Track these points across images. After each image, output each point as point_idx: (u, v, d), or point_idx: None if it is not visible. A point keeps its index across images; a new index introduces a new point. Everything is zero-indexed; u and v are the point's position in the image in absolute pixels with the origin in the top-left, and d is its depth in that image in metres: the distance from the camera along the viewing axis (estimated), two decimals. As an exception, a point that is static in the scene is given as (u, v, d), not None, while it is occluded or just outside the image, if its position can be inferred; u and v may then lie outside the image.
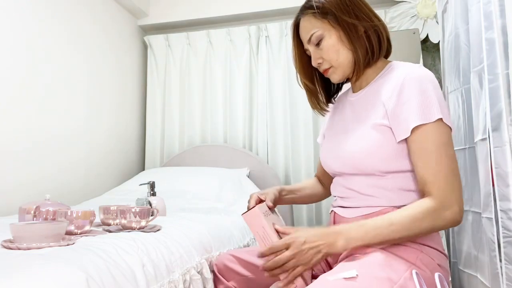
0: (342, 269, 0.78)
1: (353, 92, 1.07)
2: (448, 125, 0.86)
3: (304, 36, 1.01)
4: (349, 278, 0.74)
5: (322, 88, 1.12)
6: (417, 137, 0.85)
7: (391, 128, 0.89)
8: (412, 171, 0.89)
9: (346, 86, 1.17)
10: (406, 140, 0.88)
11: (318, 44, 0.98)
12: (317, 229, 0.86)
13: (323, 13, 0.96)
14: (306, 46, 1.02)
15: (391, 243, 0.85)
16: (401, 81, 0.89)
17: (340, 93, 1.17)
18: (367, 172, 0.92)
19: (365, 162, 0.91)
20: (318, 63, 1.01)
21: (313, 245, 0.81)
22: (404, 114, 0.86)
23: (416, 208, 0.83)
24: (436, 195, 0.82)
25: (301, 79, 1.10)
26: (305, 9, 1.00)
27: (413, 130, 0.85)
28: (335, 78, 1.02)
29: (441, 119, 0.84)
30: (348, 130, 1.00)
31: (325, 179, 1.22)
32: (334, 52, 0.97)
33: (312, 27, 0.98)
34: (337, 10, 0.95)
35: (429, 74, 0.89)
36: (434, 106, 0.85)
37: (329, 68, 1.00)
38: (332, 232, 0.84)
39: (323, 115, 1.15)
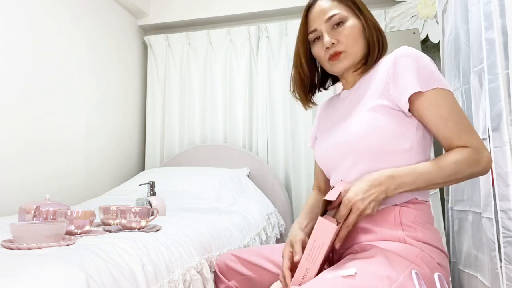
0: (341, 267, 0.78)
1: (345, 89, 1.07)
2: (449, 90, 0.89)
3: (322, 15, 0.98)
4: (347, 276, 0.74)
5: (313, 79, 1.10)
6: (428, 103, 0.87)
7: (390, 108, 0.90)
8: (412, 149, 0.90)
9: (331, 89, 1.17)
10: (413, 113, 0.89)
11: (337, 25, 0.97)
12: (367, 180, 0.86)
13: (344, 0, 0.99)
14: (319, 26, 0.99)
15: (434, 188, 0.89)
16: (392, 60, 0.91)
17: (330, 96, 1.17)
18: (367, 151, 0.91)
19: (365, 141, 0.90)
20: (332, 44, 0.97)
21: (372, 198, 0.84)
22: (407, 82, 0.88)
23: (457, 154, 0.86)
24: (469, 145, 0.86)
25: (299, 63, 1.06)
26: None
27: (420, 98, 0.87)
28: (343, 64, 0.99)
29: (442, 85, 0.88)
30: (345, 119, 0.99)
31: (326, 187, 1.16)
32: (352, 38, 0.97)
33: (334, 7, 0.98)
34: (358, 1, 0.99)
35: (417, 50, 0.91)
36: (433, 73, 0.87)
37: (341, 52, 0.97)
38: (385, 179, 0.85)
39: (306, 109, 1.13)
